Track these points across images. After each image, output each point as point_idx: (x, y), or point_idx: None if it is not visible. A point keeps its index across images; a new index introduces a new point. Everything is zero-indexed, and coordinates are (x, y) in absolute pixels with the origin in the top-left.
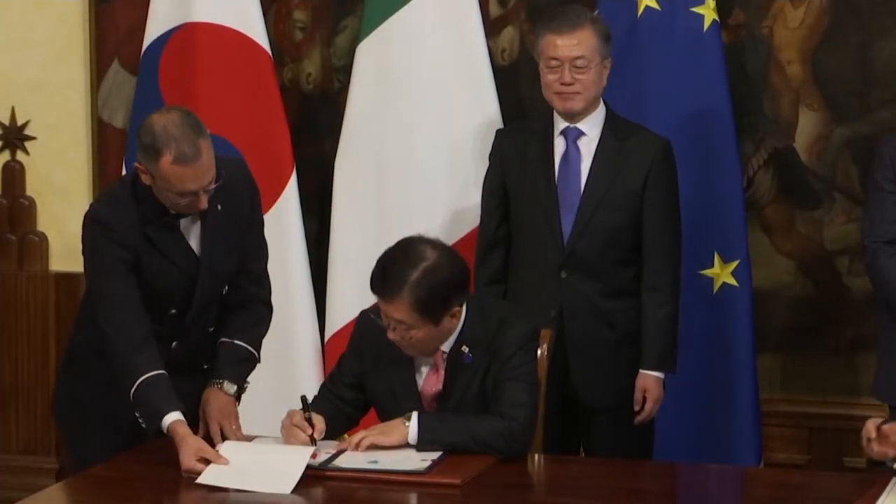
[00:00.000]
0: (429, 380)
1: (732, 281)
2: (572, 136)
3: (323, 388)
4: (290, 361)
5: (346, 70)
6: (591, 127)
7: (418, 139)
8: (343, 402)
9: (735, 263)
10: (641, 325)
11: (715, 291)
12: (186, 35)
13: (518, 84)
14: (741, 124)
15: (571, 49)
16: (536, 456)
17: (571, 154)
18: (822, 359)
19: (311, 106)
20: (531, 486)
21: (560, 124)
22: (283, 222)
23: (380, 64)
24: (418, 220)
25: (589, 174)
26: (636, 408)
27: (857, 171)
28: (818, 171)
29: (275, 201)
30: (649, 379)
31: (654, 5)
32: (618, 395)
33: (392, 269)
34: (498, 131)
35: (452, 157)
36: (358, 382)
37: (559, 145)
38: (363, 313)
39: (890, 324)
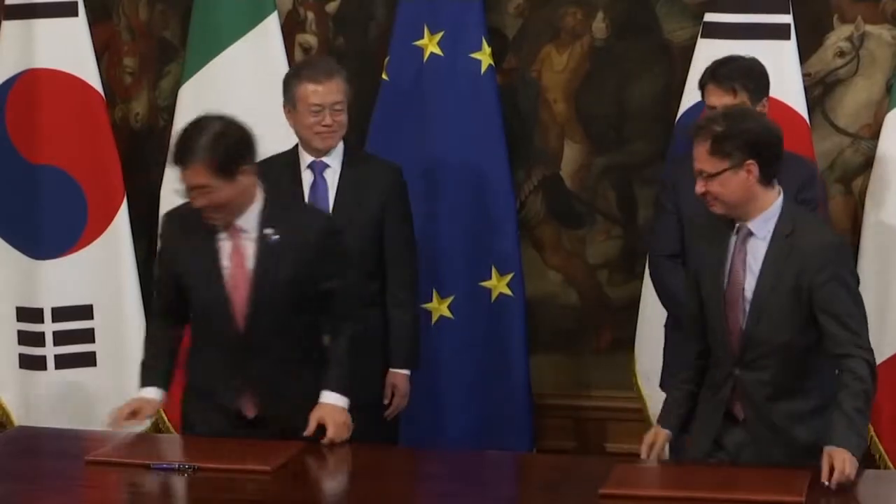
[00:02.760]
0: (234, 260)
1: (508, 291)
2: (318, 168)
3: (153, 314)
4: (128, 376)
5: (170, 109)
6: (333, 159)
7: None
8: (176, 303)
9: (510, 276)
10: (389, 330)
11: (493, 301)
12: (30, 79)
13: None
14: (514, 155)
15: (330, 95)
16: (346, 445)
17: (319, 185)
18: (588, 357)
19: (139, 141)
20: (337, 472)
21: (306, 158)
22: (116, 244)
23: (199, 104)
24: None
25: (335, 202)
26: (385, 402)
27: (615, 196)
28: (581, 196)
29: (108, 225)
30: (398, 376)
31: (438, 52)
32: (372, 393)
33: (186, 139)
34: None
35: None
36: (175, 280)
37: (307, 177)
38: (165, 214)
39: (672, 323)
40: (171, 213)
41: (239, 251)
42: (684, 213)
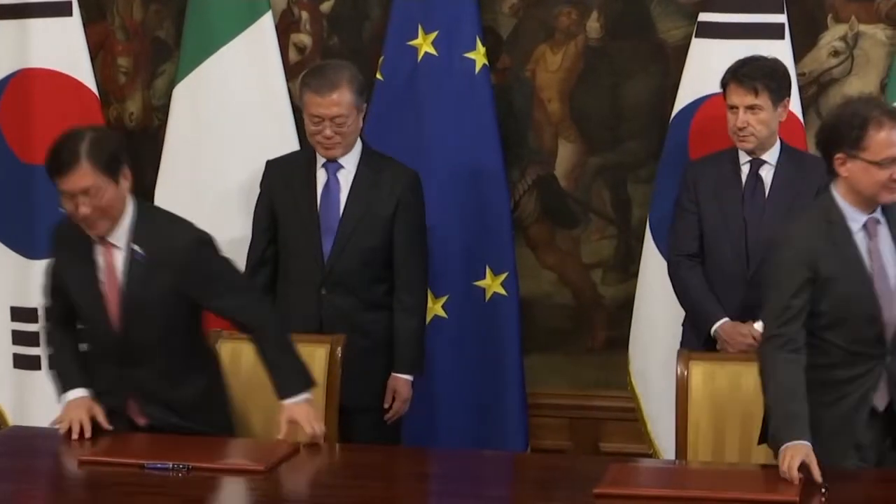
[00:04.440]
0: (107, 275)
1: (502, 291)
2: (332, 169)
3: (53, 321)
4: None
5: (164, 109)
6: (348, 160)
7: (228, 167)
8: (69, 309)
9: (504, 275)
10: (395, 334)
11: (487, 300)
12: (24, 79)
13: None
14: (509, 155)
15: (330, 108)
16: (336, 445)
17: (332, 184)
18: (580, 356)
19: (134, 140)
20: (331, 471)
21: (321, 158)
22: None
23: (193, 103)
24: (229, 235)
25: (346, 202)
26: (386, 406)
27: (609, 195)
28: (575, 195)
29: None
30: (400, 381)
31: (433, 51)
32: (376, 396)
33: (63, 148)
34: (267, 162)
35: (258, 180)
36: (62, 290)
37: (321, 176)
38: (53, 227)
39: (688, 322)
40: (58, 226)
41: (111, 267)
42: (704, 213)
